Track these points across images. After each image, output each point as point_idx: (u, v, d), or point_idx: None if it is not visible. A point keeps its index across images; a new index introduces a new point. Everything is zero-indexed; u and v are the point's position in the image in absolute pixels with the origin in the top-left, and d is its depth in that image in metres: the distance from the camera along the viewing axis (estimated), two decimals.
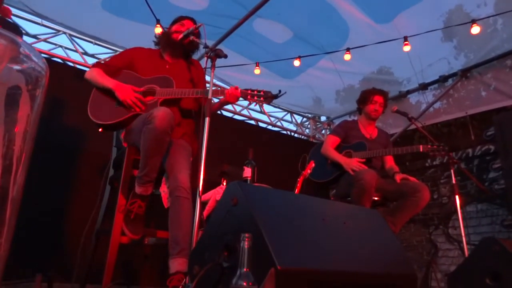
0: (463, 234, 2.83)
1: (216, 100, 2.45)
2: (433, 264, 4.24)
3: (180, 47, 2.38)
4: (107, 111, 2.20)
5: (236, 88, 2.17)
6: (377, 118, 3.37)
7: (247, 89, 2.18)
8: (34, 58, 1.01)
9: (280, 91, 2.13)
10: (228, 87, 4.95)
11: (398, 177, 3.03)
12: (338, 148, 3.29)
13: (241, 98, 2.23)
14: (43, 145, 2.98)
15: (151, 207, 2.42)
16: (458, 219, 2.88)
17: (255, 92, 2.15)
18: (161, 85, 2.24)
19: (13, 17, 3.61)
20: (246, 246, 1.06)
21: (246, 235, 1.06)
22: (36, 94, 1.05)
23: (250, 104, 5.20)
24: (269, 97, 2.13)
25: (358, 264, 1.40)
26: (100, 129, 2.25)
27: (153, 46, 2.55)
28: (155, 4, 3.32)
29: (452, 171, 3.01)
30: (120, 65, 2.35)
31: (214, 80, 2.19)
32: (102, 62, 2.41)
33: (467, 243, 2.82)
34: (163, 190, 2.18)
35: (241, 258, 1.06)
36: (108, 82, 2.21)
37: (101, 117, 2.19)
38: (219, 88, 4.82)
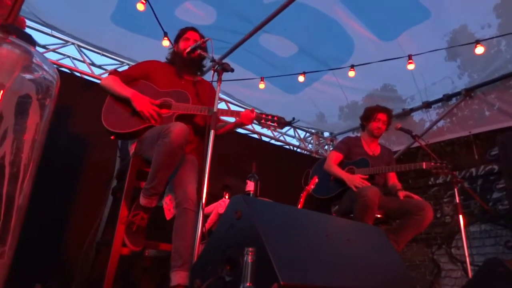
0: (466, 255, 2.79)
1: (228, 120, 2.48)
2: (435, 284, 4.17)
3: (191, 62, 2.41)
4: (121, 119, 2.21)
5: (252, 111, 2.20)
6: (379, 136, 3.38)
7: (262, 113, 2.21)
8: (46, 68, 1.03)
9: (294, 118, 2.22)
10: (234, 102, 5.04)
11: (402, 194, 3.01)
12: (341, 165, 3.29)
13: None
14: (48, 154, 3.00)
15: (152, 219, 2.42)
16: (461, 239, 2.84)
17: (269, 117, 2.18)
18: (177, 99, 2.26)
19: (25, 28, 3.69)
20: (249, 260, 1.06)
21: (250, 249, 1.06)
22: (45, 103, 1.07)
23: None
24: (282, 123, 2.18)
25: (361, 281, 1.38)
26: (112, 137, 2.26)
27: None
28: (163, 19, 3.37)
29: (455, 190, 2.99)
30: (137, 75, 2.38)
31: (220, 94, 2.20)
32: (119, 70, 2.43)
33: (470, 264, 2.78)
34: (165, 202, 2.18)
35: (244, 272, 1.05)
36: (125, 91, 2.23)
37: (115, 125, 2.20)
38: (226, 107, 4.86)
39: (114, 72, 2.38)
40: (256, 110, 2.23)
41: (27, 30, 3.72)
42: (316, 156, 5.68)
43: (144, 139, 2.15)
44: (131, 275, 3.13)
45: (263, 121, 2.18)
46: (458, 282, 4.10)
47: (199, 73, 2.60)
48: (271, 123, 2.18)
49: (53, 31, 3.87)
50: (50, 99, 1.07)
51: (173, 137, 1.88)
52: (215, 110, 1.98)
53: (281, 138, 5.60)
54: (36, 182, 1.24)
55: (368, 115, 3.36)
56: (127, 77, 2.34)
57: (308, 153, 5.80)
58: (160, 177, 1.99)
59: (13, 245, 0.93)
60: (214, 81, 2.05)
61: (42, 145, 1.03)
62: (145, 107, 2.16)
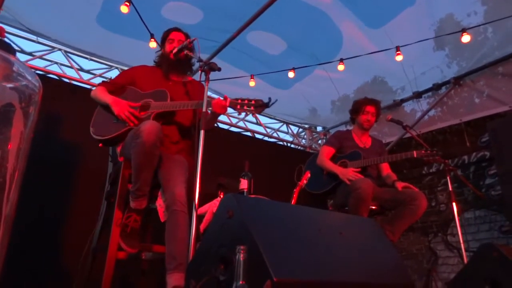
0: (461, 241, 2.82)
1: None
2: (433, 272, 4.21)
3: (178, 63, 2.40)
4: (106, 126, 2.26)
5: (225, 99, 2.09)
6: (370, 128, 3.39)
7: (236, 99, 2.08)
8: (27, 76, 1.02)
9: (270, 98, 2.01)
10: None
11: (400, 185, 3.03)
12: (333, 159, 3.30)
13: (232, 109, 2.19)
14: (40, 161, 2.98)
15: (148, 222, 2.41)
16: (456, 226, 2.87)
17: (245, 102, 2.06)
18: (156, 99, 2.26)
19: (8, 35, 3.64)
20: (241, 259, 1.06)
21: (241, 247, 1.06)
22: (29, 111, 1.06)
23: (247, 115, 5.22)
24: (259, 106, 2.04)
25: (355, 275, 1.39)
26: (100, 144, 2.30)
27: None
28: (149, 19, 3.35)
29: (448, 178, 3.02)
30: (123, 82, 2.42)
31: (210, 93, 2.19)
32: (106, 80, 2.47)
33: (466, 250, 2.80)
34: (159, 204, 2.18)
35: (237, 270, 1.05)
36: (106, 98, 2.28)
37: (100, 132, 2.26)
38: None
39: (101, 83, 2.45)
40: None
41: (11, 38, 3.69)
42: (310, 151, 5.69)
43: (126, 143, 2.16)
44: (128, 279, 3.13)
45: (238, 106, 2.06)
46: (455, 268, 4.14)
47: (189, 72, 2.60)
48: (247, 108, 2.05)
49: (38, 38, 3.84)
50: (34, 107, 1.05)
51: (144, 137, 1.88)
52: (204, 110, 1.97)
53: (274, 134, 5.61)
54: (29, 189, 1.24)
55: (357, 108, 3.38)
56: (114, 85, 2.40)
57: (302, 148, 5.81)
58: (142, 178, 1.99)
59: (2, 255, 0.93)
60: (202, 81, 2.04)
61: (27, 153, 1.02)
62: (122, 110, 2.19)
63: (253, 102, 2.05)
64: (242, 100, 2.07)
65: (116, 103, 2.23)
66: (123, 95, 2.34)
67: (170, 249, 1.87)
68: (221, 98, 2.14)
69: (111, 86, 2.39)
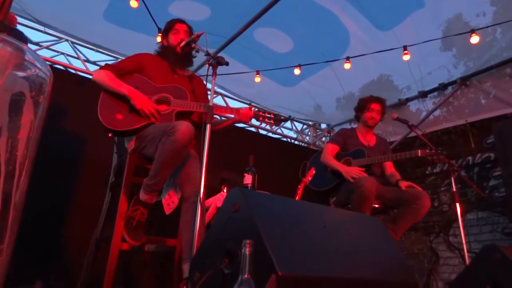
0: (464, 242, 2.82)
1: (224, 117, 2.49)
2: (434, 272, 4.21)
3: (185, 56, 2.41)
4: (120, 117, 2.18)
5: (250, 109, 2.27)
6: (374, 126, 3.39)
7: (259, 110, 2.31)
8: (38, 65, 1.03)
9: (290, 116, 2.35)
10: (230, 95, 5.02)
11: (403, 184, 3.02)
12: (337, 156, 3.30)
13: (241, 105, 2.26)
14: (44, 151, 2.99)
15: (151, 215, 2.42)
16: (459, 227, 2.87)
17: (266, 114, 2.29)
18: (175, 96, 2.26)
19: (16, 25, 3.65)
20: (247, 253, 1.06)
21: (248, 241, 1.06)
22: (39, 100, 1.06)
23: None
24: (278, 120, 2.30)
25: (359, 271, 1.39)
26: (110, 134, 2.25)
27: None
28: (156, 15, 3.34)
29: (452, 178, 3.01)
30: (130, 68, 2.32)
31: (216, 88, 2.21)
32: (111, 64, 2.39)
33: (468, 251, 2.80)
34: (165, 198, 2.20)
35: (242, 264, 1.06)
36: (121, 87, 2.18)
37: (113, 123, 2.15)
38: (223, 104, 4.85)
39: (106, 66, 2.32)
40: (252, 103, 2.27)
41: (19, 28, 3.71)
42: (314, 148, 5.69)
43: (145, 137, 2.13)
44: (131, 271, 3.15)
45: (260, 118, 2.29)
46: (456, 269, 4.14)
47: (189, 66, 2.58)
48: (268, 120, 2.28)
49: (46, 28, 3.84)
50: (44, 96, 1.06)
51: (179, 135, 1.89)
52: (210, 104, 1.98)
53: (279, 130, 5.60)
54: (34, 180, 1.25)
55: (362, 105, 3.37)
56: (120, 71, 2.28)
57: (305, 145, 5.80)
58: (163, 175, 2.01)
59: (11, 243, 0.94)
60: (209, 75, 2.04)
61: (37, 142, 1.03)
62: (145, 105, 2.15)
63: (272, 115, 2.30)
64: (263, 112, 2.31)
65: (136, 96, 2.15)
66: (133, 83, 2.24)
67: (187, 239, 1.92)
68: (247, 108, 2.29)
69: (117, 71, 2.27)
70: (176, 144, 1.90)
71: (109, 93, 2.22)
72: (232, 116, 2.37)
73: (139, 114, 2.17)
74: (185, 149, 1.98)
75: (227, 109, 2.35)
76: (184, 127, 1.91)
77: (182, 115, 2.23)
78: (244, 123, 2.47)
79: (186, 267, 1.86)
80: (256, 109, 2.33)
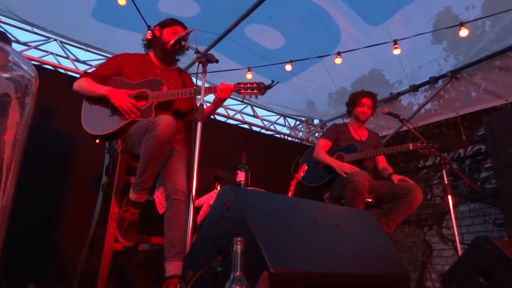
0: (456, 234, 2.85)
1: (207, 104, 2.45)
2: (427, 264, 4.26)
3: (173, 54, 2.40)
4: (101, 121, 2.17)
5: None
6: (366, 120, 3.41)
7: (239, 83, 2.21)
8: (23, 66, 1.01)
9: (273, 81, 2.16)
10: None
11: (396, 178, 3.04)
12: (330, 151, 3.32)
13: (233, 102, 2.23)
14: (35, 152, 2.97)
15: (145, 213, 2.41)
16: (451, 219, 2.90)
17: (248, 85, 2.18)
18: (152, 88, 2.23)
19: (2, 25, 3.60)
20: (239, 250, 1.06)
21: (239, 239, 1.06)
22: (25, 101, 1.05)
23: (244, 108, 5.20)
24: (262, 88, 2.18)
25: (352, 266, 1.40)
26: (97, 140, 2.24)
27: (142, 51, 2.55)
28: (146, 12, 3.31)
29: (444, 171, 3.04)
30: (108, 73, 2.31)
31: (207, 85, 2.17)
32: (89, 71, 2.37)
33: (460, 243, 2.84)
34: (157, 196, 2.18)
35: (234, 262, 1.06)
36: (100, 89, 2.19)
37: (96, 129, 2.16)
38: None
39: (84, 74, 2.33)
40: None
41: (6, 28, 3.65)
42: (307, 143, 5.70)
43: (130, 136, 2.13)
44: (126, 271, 3.14)
45: (242, 90, 2.19)
46: (449, 261, 4.19)
47: (174, 64, 2.56)
48: (251, 91, 2.18)
49: (33, 28, 3.79)
50: (30, 97, 1.05)
51: (160, 130, 1.87)
52: (201, 102, 1.97)
53: (271, 127, 5.61)
54: (26, 181, 1.23)
55: (353, 100, 3.39)
56: (99, 77, 2.28)
57: (298, 141, 5.82)
58: (150, 171, 1.98)
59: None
60: (199, 73, 2.03)
61: (23, 144, 1.02)
62: (123, 101, 2.13)
63: (255, 84, 2.18)
64: (245, 83, 2.19)
65: (114, 94, 2.14)
66: (111, 86, 2.23)
67: (170, 237, 1.88)
68: (225, 82, 2.20)
69: (95, 77, 2.27)
70: (158, 139, 1.88)
71: (90, 99, 2.23)
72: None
73: (120, 114, 2.16)
74: (169, 143, 1.95)
75: (206, 89, 2.17)
76: (165, 121, 1.89)
77: (162, 106, 2.20)
78: (226, 99, 2.35)
79: (167, 266, 1.82)
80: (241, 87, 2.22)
